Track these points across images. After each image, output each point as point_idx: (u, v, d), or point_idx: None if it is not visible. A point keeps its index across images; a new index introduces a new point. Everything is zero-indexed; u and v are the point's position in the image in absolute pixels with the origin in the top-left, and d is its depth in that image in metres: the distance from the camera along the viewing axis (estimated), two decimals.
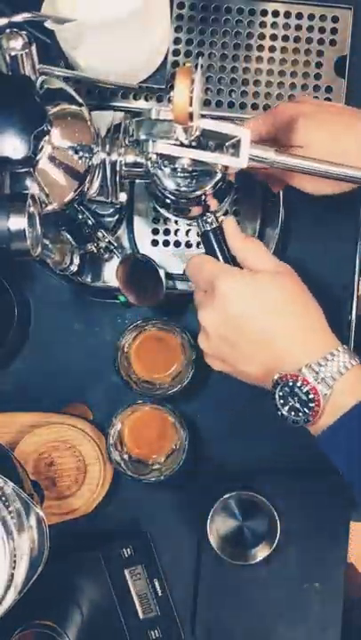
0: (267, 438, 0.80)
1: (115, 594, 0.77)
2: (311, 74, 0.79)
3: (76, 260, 0.73)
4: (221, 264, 0.63)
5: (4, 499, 0.53)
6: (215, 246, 0.64)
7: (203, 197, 0.64)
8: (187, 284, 0.77)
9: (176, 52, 0.80)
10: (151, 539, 0.79)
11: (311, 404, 0.56)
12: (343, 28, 0.79)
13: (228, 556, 0.76)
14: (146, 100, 0.79)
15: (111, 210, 0.74)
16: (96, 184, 0.65)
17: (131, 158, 0.63)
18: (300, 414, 0.57)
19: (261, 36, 0.79)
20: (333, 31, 0.79)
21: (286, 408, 0.57)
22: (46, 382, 0.81)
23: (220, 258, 0.63)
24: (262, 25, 0.79)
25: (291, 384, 0.56)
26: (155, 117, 0.60)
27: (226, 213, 0.77)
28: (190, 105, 0.52)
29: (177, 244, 0.77)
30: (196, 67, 0.52)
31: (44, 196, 0.61)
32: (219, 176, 0.62)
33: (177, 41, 0.80)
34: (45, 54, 0.74)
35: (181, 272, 0.77)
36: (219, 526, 0.77)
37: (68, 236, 0.71)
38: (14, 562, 0.51)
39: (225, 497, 0.76)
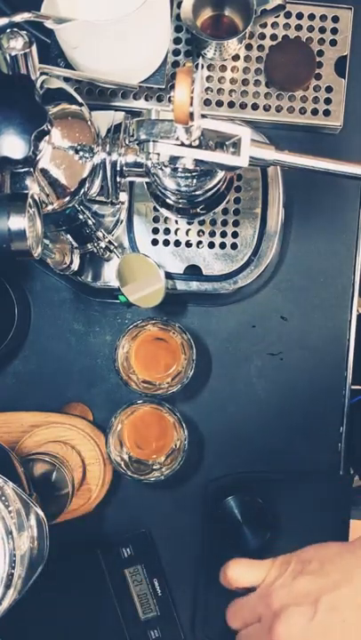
0: (267, 438, 0.80)
1: (115, 594, 0.77)
2: None
3: (76, 260, 0.73)
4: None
5: (3, 499, 0.52)
6: None
7: (203, 197, 0.64)
8: (187, 284, 0.77)
9: (176, 52, 0.80)
10: (151, 539, 0.79)
11: None
12: (344, 28, 0.79)
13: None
14: (146, 99, 0.79)
15: (111, 210, 0.74)
16: (96, 184, 0.65)
17: (131, 158, 0.63)
18: None
19: (262, 36, 0.79)
20: (334, 31, 0.79)
21: None
22: (46, 382, 0.81)
23: None
24: (263, 25, 0.79)
25: None
26: (155, 117, 0.60)
27: (226, 213, 0.77)
28: (191, 105, 0.52)
29: (177, 243, 0.77)
30: (196, 67, 0.52)
31: (44, 196, 0.61)
32: (219, 176, 0.62)
33: (177, 41, 0.80)
34: (45, 54, 0.74)
35: (181, 272, 0.77)
36: (219, 527, 0.77)
37: (68, 236, 0.71)
38: (14, 562, 0.51)
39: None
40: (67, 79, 0.72)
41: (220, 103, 0.79)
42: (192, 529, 0.79)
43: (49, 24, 0.62)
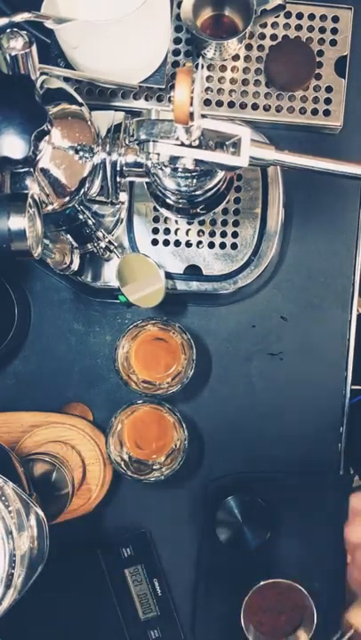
0: (267, 438, 0.80)
1: (115, 594, 0.77)
2: None
3: (76, 260, 0.73)
4: None
5: (3, 499, 0.52)
6: None
7: (203, 197, 0.64)
8: (187, 284, 0.77)
9: (176, 52, 0.80)
10: (151, 538, 0.79)
11: None
12: (344, 28, 0.79)
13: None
14: (146, 99, 0.79)
15: (111, 210, 0.74)
16: (96, 184, 0.65)
17: (131, 158, 0.63)
18: None
19: (262, 36, 0.79)
20: (334, 31, 0.79)
21: None
22: (46, 382, 0.81)
23: None
24: (263, 25, 0.79)
25: None
26: (155, 117, 0.60)
27: (226, 213, 0.77)
28: (191, 105, 0.52)
29: (177, 243, 0.77)
30: (196, 67, 0.52)
31: (44, 196, 0.61)
32: (219, 176, 0.62)
33: (177, 41, 0.80)
34: (45, 54, 0.74)
35: (181, 272, 0.77)
36: (219, 527, 0.77)
37: (68, 236, 0.71)
38: (14, 562, 0.51)
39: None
40: (67, 79, 0.72)
41: (220, 103, 0.79)
42: (192, 529, 0.79)
43: (49, 24, 0.62)
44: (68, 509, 0.74)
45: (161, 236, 0.77)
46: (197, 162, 0.59)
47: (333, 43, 0.79)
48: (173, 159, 0.60)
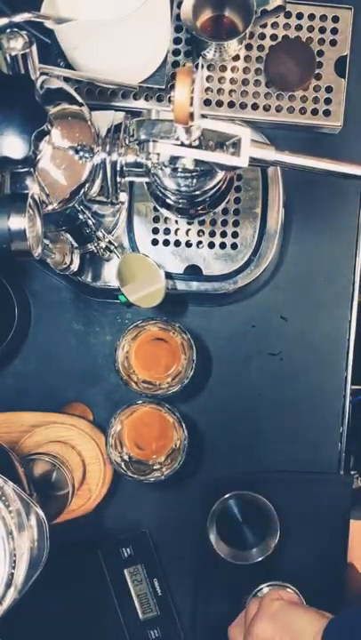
0: (267, 438, 0.80)
1: (115, 594, 0.77)
2: None
3: (76, 260, 0.73)
4: None
5: (4, 499, 0.52)
6: None
7: (203, 197, 0.64)
8: (187, 284, 0.77)
9: (176, 52, 0.80)
10: (151, 539, 0.79)
11: None
12: (343, 28, 0.79)
13: (228, 557, 0.76)
14: (146, 99, 0.79)
15: (111, 210, 0.74)
16: (96, 184, 0.65)
17: (131, 158, 0.63)
18: None
19: (262, 36, 0.79)
20: (334, 31, 0.79)
21: None
22: (46, 382, 0.81)
23: None
24: (263, 25, 0.79)
25: None
26: (155, 117, 0.60)
27: (226, 213, 0.77)
28: (191, 105, 0.52)
29: (177, 243, 0.77)
30: (196, 67, 0.52)
31: (44, 196, 0.61)
32: (219, 176, 0.62)
33: (177, 41, 0.80)
34: (45, 54, 0.74)
35: (181, 272, 0.77)
36: (219, 526, 0.77)
37: (68, 236, 0.71)
38: (14, 561, 0.51)
39: (225, 497, 0.76)
40: (67, 79, 0.72)
41: (220, 103, 0.79)
42: (192, 529, 0.79)
43: (49, 24, 0.62)
44: (68, 509, 0.74)
45: (161, 236, 0.77)
46: (197, 162, 0.59)
47: (333, 43, 0.79)
48: (173, 159, 0.60)
